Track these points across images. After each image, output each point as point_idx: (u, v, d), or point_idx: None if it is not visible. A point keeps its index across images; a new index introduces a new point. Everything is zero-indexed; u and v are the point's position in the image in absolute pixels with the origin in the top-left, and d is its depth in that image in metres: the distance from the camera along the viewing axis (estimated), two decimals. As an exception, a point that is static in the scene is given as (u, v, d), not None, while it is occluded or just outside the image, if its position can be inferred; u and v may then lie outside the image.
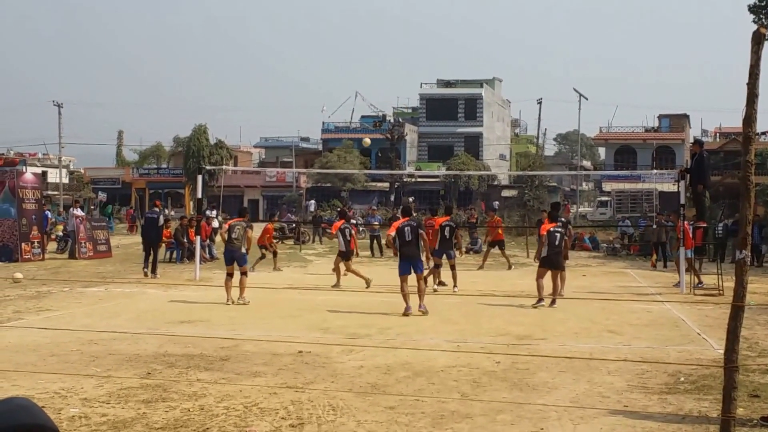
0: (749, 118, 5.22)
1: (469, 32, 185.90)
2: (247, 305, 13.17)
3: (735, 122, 53.51)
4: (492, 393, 7.14)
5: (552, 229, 13.67)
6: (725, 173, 47.38)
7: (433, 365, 8.31)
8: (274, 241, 21.91)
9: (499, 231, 22.63)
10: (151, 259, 18.58)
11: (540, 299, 13.21)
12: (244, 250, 13.69)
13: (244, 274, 13.62)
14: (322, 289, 15.68)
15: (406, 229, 12.89)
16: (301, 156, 66.34)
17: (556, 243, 13.55)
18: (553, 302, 13.33)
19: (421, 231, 13.22)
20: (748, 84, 5.18)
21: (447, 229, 15.87)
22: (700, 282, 16.22)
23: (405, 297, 12.32)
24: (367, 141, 38.29)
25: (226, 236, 13.83)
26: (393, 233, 13.11)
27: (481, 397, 6.98)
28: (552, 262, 13.59)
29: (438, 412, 6.46)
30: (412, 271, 12.62)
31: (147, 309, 12.94)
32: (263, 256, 20.68)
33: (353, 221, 23.08)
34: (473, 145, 62.61)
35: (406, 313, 12.11)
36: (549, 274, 13.51)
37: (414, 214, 17.11)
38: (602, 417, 6.33)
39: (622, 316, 12.30)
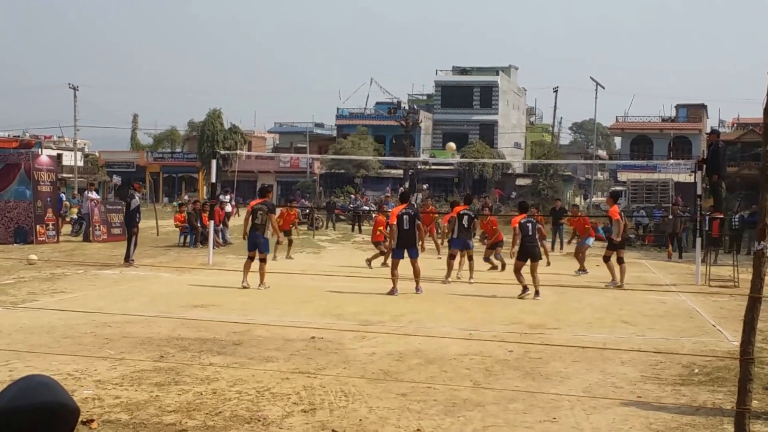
0: (770, 108, 5.13)
1: (485, 19, 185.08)
2: (268, 289, 13.07)
3: (753, 113, 53.03)
4: (504, 381, 7.13)
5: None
6: (742, 164, 47.03)
7: (446, 353, 8.30)
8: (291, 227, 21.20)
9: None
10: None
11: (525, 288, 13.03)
12: (268, 235, 13.63)
13: (263, 260, 13.32)
14: (335, 275, 15.68)
15: (404, 217, 13.08)
16: (315, 142, 66.44)
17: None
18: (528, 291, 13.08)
19: (418, 222, 13.40)
20: (769, 73, 5.09)
21: (465, 218, 15.38)
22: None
23: (394, 279, 12.95)
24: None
25: (249, 220, 13.51)
26: (394, 222, 13.13)
27: (493, 385, 6.96)
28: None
29: (450, 399, 6.45)
30: (407, 255, 13.07)
31: (160, 293, 12.99)
32: (288, 242, 19.69)
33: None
34: (488, 133, 62.40)
35: (391, 293, 12.83)
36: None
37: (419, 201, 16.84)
38: (615, 407, 6.30)
39: (635, 306, 12.25)
